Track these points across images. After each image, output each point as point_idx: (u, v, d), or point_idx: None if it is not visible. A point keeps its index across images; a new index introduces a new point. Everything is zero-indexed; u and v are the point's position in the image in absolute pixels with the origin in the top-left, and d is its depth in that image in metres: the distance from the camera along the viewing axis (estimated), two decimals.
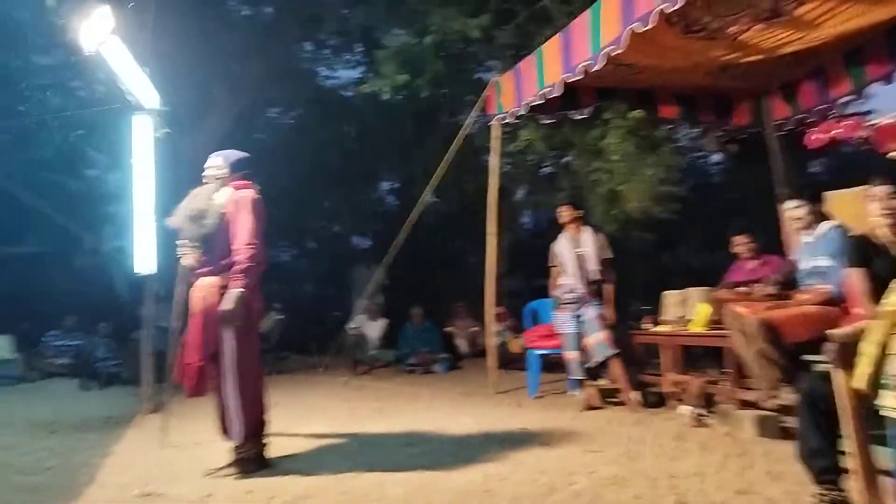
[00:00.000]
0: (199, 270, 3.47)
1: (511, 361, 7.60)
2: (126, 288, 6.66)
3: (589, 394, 5.17)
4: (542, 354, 5.99)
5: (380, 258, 8.39)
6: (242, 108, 9.48)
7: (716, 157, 12.73)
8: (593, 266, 5.34)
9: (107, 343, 7.81)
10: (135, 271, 5.08)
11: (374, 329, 8.68)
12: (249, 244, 3.34)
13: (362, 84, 8.44)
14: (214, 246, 3.43)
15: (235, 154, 3.69)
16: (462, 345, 9.04)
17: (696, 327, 4.72)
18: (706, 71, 5.25)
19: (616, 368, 5.13)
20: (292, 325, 9.49)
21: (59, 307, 8.49)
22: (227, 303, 3.26)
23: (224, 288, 3.34)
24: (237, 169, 3.62)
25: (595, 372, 5.32)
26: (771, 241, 5.07)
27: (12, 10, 7.99)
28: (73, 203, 10.37)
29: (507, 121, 6.08)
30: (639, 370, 5.36)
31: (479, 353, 8.78)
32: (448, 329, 9.13)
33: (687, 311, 5.02)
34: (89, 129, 9.59)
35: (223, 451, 3.46)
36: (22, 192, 5.08)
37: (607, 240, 5.54)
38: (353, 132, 10.09)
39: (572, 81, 4.79)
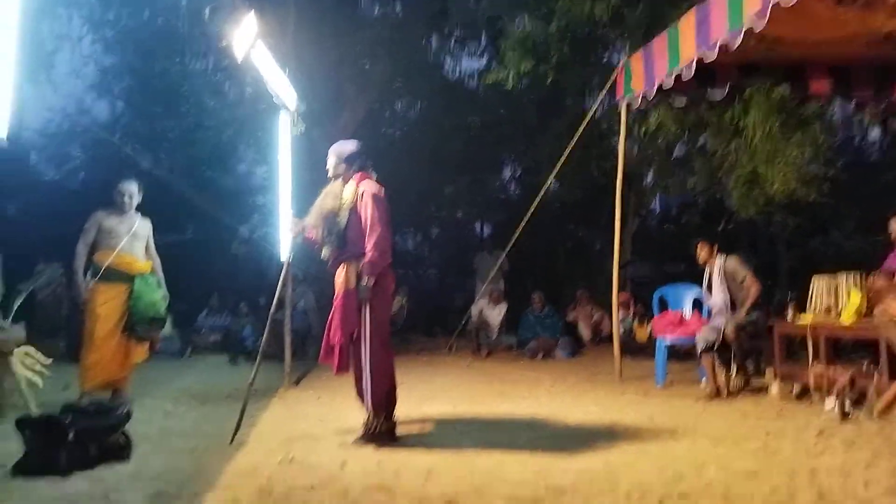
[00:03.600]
0: (336, 260, 3.71)
1: (637, 350, 7.40)
2: (273, 272, 7.24)
3: (718, 382, 4.93)
4: (671, 343, 5.78)
5: (502, 244, 8.45)
6: (371, 104, 9.87)
7: (873, 135, 11.50)
8: (719, 298, 5.30)
9: (252, 322, 8.51)
10: (279, 257, 5.47)
11: (495, 314, 8.76)
12: (375, 238, 3.57)
13: (487, 74, 8.47)
14: (347, 238, 3.68)
15: (346, 147, 3.85)
16: (584, 332, 8.90)
17: (847, 317, 4.34)
18: (866, 41, 4.75)
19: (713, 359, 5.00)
20: (417, 308, 9.82)
21: (212, 290, 9.36)
22: (362, 293, 3.56)
23: (360, 274, 3.59)
24: (351, 161, 3.79)
25: (730, 361, 5.09)
26: None
27: (172, 20, 8.86)
28: (226, 195, 11.37)
29: (636, 103, 5.87)
30: (781, 362, 5.03)
31: (601, 340, 8.62)
32: (570, 316, 9.02)
33: (837, 299, 4.63)
34: (239, 128, 10.45)
35: (357, 424, 3.68)
36: (183, 185, 5.70)
37: (739, 259, 5.42)
38: (476, 121, 10.18)
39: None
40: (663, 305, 6.30)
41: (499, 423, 4.23)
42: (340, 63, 8.99)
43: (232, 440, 3.59)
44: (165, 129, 11.00)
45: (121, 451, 3.21)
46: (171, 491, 2.71)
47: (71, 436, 2.98)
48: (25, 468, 2.91)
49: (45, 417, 3.12)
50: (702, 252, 5.55)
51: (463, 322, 8.53)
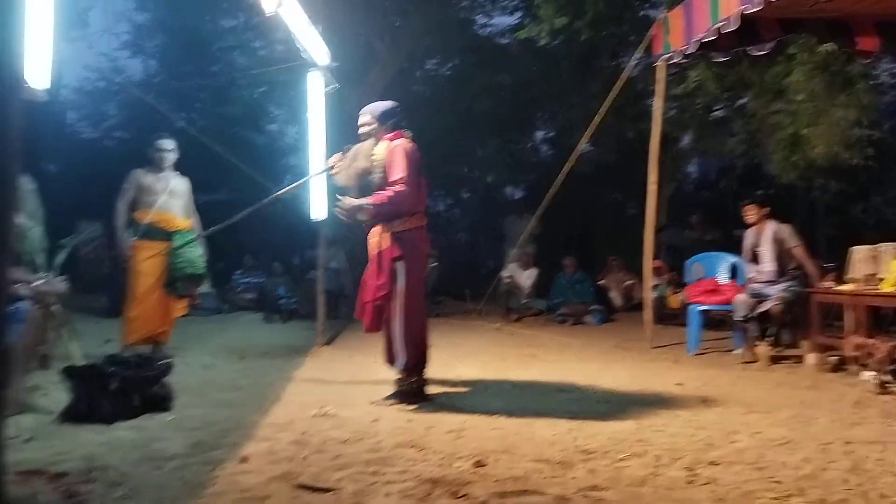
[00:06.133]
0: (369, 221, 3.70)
1: (669, 317, 7.35)
2: (303, 233, 7.32)
3: (754, 350, 4.88)
4: (704, 310, 5.71)
5: (533, 208, 8.38)
6: (402, 62, 9.74)
7: None
8: (770, 265, 5.23)
9: (285, 282, 8.66)
10: (310, 217, 5.52)
11: (525, 278, 8.75)
12: (396, 183, 3.50)
13: (519, 30, 8.28)
14: None
15: (380, 106, 3.79)
16: (616, 298, 8.85)
17: (888, 287, 4.23)
18: None
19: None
20: (447, 272, 9.85)
21: (246, 250, 9.52)
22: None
23: (395, 235, 3.56)
24: (384, 120, 3.73)
25: (766, 330, 5.04)
26: None
27: None
28: (257, 155, 11.43)
29: (674, 61, 5.68)
30: (818, 332, 4.95)
31: (633, 307, 8.57)
32: (601, 281, 8.96)
33: (878, 268, 4.51)
34: (270, 87, 10.44)
35: (388, 382, 3.74)
36: (215, 146, 5.74)
37: (793, 229, 5.34)
38: (508, 80, 9.98)
39: (752, 13, 4.35)
40: (698, 273, 6.21)
41: (528, 386, 4.25)
42: (370, 20, 8.86)
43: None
44: (198, 88, 11.05)
45: (162, 402, 3.32)
46: (210, 441, 2.80)
47: (115, 385, 3.09)
48: (72, 415, 3.04)
49: (90, 367, 3.23)
50: (750, 214, 5.42)
51: (493, 286, 8.54)
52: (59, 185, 11.10)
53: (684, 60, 5.73)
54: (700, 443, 2.88)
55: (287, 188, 4.45)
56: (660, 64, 5.80)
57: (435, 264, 9.45)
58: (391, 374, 3.74)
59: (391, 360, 3.71)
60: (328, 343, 5.90)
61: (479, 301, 8.51)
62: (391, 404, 3.57)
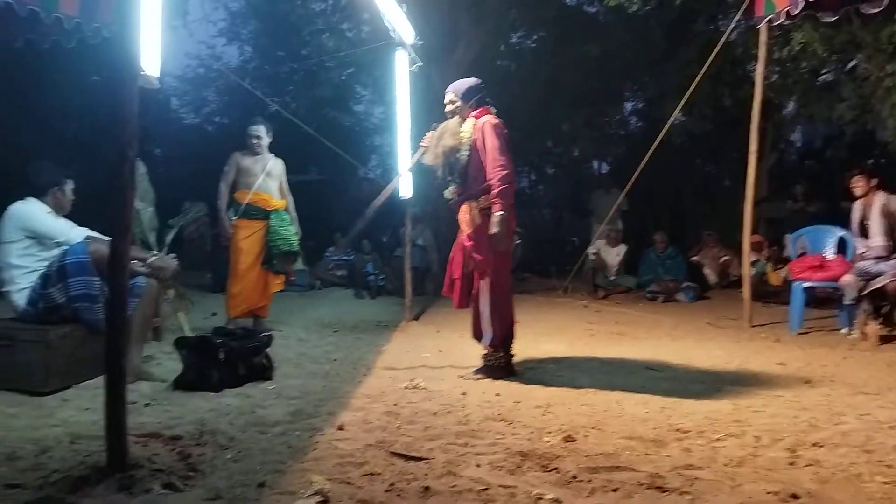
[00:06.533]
0: (458, 199, 3.74)
1: (769, 294, 6.99)
2: (391, 211, 7.47)
3: (864, 329, 4.58)
4: (809, 287, 5.40)
5: (620, 182, 8.13)
6: (486, 37, 9.63)
7: None
8: (880, 240, 4.89)
9: (374, 259, 8.88)
10: (398, 196, 5.62)
11: (613, 255, 8.54)
12: (498, 167, 3.51)
13: None
14: (468, 175, 3.67)
15: (464, 84, 3.78)
16: (710, 275, 8.49)
17: None
18: None
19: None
20: (532, 248, 9.76)
21: (337, 227, 9.82)
22: (494, 227, 3.48)
23: (483, 211, 3.58)
24: (468, 98, 3.73)
25: (879, 308, 4.72)
26: None
27: None
28: (344, 136, 11.72)
29: (778, 22, 5.32)
30: None
31: (729, 284, 8.20)
32: (695, 258, 8.62)
33: None
34: (357, 68, 10.61)
35: (475, 356, 3.79)
36: (306, 127, 5.94)
37: None
38: (596, 50, 9.65)
39: None
40: (802, 248, 5.86)
41: (616, 363, 4.19)
42: None
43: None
44: (290, 71, 11.42)
45: (264, 372, 3.53)
46: (308, 409, 2.96)
47: (222, 356, 3.31)
48: (183, 383, 3.28)
49: (200, 339, 3.47)
50: (858, 185, 5.08)
51: (579, 263, 8.40)
52: (164, 169, 11.85)
53: (789, 21, 5.36)
54: (803, 424, 2.75)
55: (393, 183, 4.56)
56: (762, 26, 5.45)
57: (519, 241, 9.40)
58: (477, 349, 3.79)
59: (478, 335, 3.75)
60: (415, 318, 6.03)
61: (564, 278, 8.40)
62: (478, 378, 3.62)
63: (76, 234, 3.41)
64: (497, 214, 3.48)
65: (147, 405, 2.97)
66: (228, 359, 3.33)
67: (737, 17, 5.95)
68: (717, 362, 4.17)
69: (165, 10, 2.75)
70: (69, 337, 3.26)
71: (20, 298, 3.34)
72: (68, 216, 3.53)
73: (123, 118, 2.03)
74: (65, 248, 3.34)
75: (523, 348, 4.14)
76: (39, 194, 3.43)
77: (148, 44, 2.50)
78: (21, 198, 3.41)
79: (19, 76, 8.40)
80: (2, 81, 7.97)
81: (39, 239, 3.36)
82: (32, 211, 3.38)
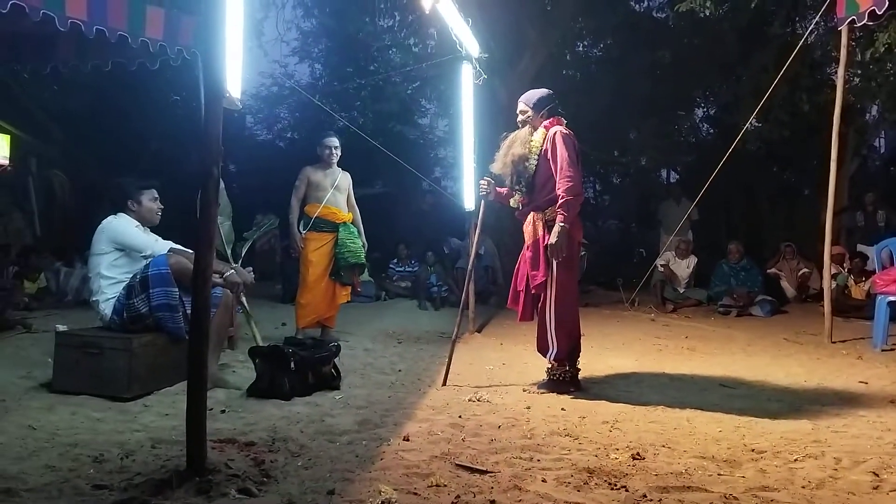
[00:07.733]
0: (524, 209, 3.74)
1: (851, 309, 6.63)
2: (456, 224, 7.52)
3: None
4: (894, 301, 5.08)
5: (690, 192, 7.90)
6: (552, 47, 9.58)
7: None
8: None
9: (437, 271, 8.95)
10: (463, 208, 5.65)
11: (682, 267, 8.29)
12: (566, 177, 3.50)
13: (679, 2, 7.80)
14: (536, 185, 3.68)
15: (535, 94, 3.79)
16: (788, 288, 8.11)
17: None
18: None
19: None
20: (598, 260, 9.59)
21: (401, 239, 9.97)
22: (553, 237, 3.48)
23: (548, 222, 3.57)
24: (539, 108, 3.74)
25: None
26: None
27: None
28: (410, 149, 11.90)
29: (861, 23, 5.08)
30: None
31: (807, 298, 7.82)
32: (771, 270, 8.25)
33: None
34: (423, 82, 10.77)
35: (540, 370, 3.77)
36: (372, 142, 6.09)
37: None
38: (666, 57, 9.43)
39: None
40: (889, 260, 5.54)
41: (687, 380, 4.07)
42: (522, 6, 8.81)
43: (444, 382, 3.81)
44: (358, 87, 11.70)
45: (332, 381, 3.62)
46: (375, 420, 3.01)
47: (293, 365, 3.41)
48: (257, 391, 3.40)
49: (273, 348, 3.58)
50: None
51: (646, 275, 8.20)
52: (237, 183, 12.34)
53: (873, 22, 5.10)
54: (888, 445, 2.61)
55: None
56: (843, 27, 5.21)
57: (583, 253, 9.24)
58: (541, 363, 3.76)
59: (544, 349, 3.72)
60: (478, 330, 6.03)
61: (630, 291, 8.22)
62: (543, 392, 3.59)
63: (161, 246, 3.61)
64: (558, 226, 3.47)
65: (223, 412, 3.09)
66: (299, 368, 3.44)
67: (815, 19, 5.72)
68: (795, 380, 3.98)
69: (244, 33, 2.88)
70: (151, 345, 3.44)
71: (107, 308, 3.55)
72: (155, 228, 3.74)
73: (209, 138, 2.14)
74: (148, 260, 3.54)
75: (589, 363, 4.08)
76: (123, 208, 3.66)
77: (231, 66, 2.61)
78: (114, 213, 3.65)
79: (109, 97, 8.96)
80: (95, 102, 8.54)
81: (128, 252, 3.58)
82: (123, 225, 3.60)
